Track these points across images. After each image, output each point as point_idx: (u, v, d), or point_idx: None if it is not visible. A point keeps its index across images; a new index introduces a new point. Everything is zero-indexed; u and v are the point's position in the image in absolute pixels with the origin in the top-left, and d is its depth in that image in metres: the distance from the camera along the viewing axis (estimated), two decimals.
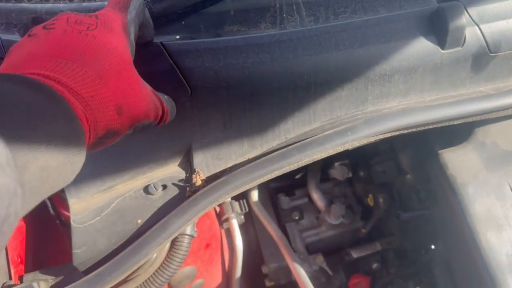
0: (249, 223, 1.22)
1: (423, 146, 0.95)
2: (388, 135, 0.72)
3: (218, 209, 1.10)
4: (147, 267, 0.80)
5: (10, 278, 0.76)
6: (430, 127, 0.73)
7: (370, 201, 1.13)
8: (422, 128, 0.73)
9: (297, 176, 1.39)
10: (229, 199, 1.08)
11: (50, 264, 0.81)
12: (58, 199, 0.90)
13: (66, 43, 0.48)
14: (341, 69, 0.70)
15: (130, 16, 0.57)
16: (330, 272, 1.20)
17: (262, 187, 1.28)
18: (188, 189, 0.76)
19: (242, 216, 1.09)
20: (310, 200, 1.27)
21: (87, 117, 0.45)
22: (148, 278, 0.81)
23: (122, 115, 0.50)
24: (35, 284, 0.70)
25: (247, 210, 1.06)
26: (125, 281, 0.81)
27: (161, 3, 0.71)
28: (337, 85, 0.72)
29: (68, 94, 0.44)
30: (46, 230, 0.90)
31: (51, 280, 0.74)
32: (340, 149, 0.71)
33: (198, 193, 0.72)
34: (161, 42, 0.68)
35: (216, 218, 1.05)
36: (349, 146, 0.71)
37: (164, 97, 0.63)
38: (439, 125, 0.73)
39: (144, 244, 0.69)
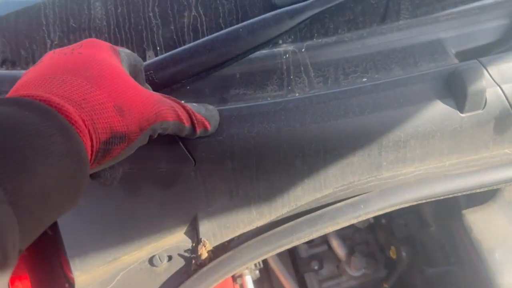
0: (265, 277, 1.18)
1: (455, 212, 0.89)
2: (406, 205, 0.67)
3: None
4: None
5: None
6: (450, 196, 0.68)
7: (392, 254, 1.07)
8: (442, 197, 0.68)
9: None
10: None
11: None
12: (66, 262, 0.88)
13: (52, 64, 0.46)
14: (351, 137, 0.66)
15: (122, 53, 0.53)
16: None
17: None
18: (193, 261, 0.73)
19: (257, 271, 1.05)
20: (330, 247, 1.22)
21: (83, 119, 0.41)
22: None
23: (125, 116, 0.45)
24: None
25: (262, 266, 1.02)
26: None
27: (164, 72, 0.69)
28: (348, 151, 0.68)
29: (57, 99, 0.40)
30: None
31: None
32: (354, 221, 0.67)
33: (203, 270, 0.69)
34: None
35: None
36: (363, 218, 0.67)
37: (201, 106, 0.60)
38: (459, 194, 0.68)
39: None
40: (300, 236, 0.67)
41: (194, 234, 0.76)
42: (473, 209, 0.79)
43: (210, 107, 0.64)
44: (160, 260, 0.73)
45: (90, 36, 0.80)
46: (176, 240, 0.75)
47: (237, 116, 0.67)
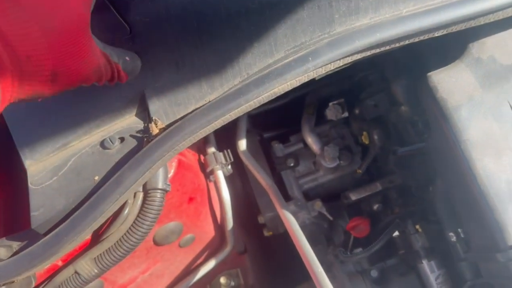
0: (242, 173, 1.17)
1: (417, 71, 0.85)
2: (358, 56, 0.63)
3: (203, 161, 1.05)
4: (118, 225, 0.76)
5: None
6: (406, 42, 0.63)
7: (365, 139, 1.05)
8: (397, 44, 0.63)
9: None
10: (213, 150, 1.02)
11: (25, 228, 0.79)
12: None
13: None
14: None
15: None
16: (330, 217, 1.15)
17: (253, 137, 1.21)
18: (145, 139, 0.70)
19: (230, 167, 1.03)
20: (306, 145, 1.20)
21: (13, 80, 0.41)
22: (122, 237, 0.77)
23: (56, 82, 0.45)
24: None
25: (232, 160, 1.00)
26: (98, 241, 0.78)
27: None
28: (295, 4, 0.63)
29: (2, 51, 0.39)
30: (17, 193, 0.87)
31: (16, 246, 0.71)
32: (304, 78, 0.63)
33: (152, 142, 0.66)
34: None
35: (200, 170, 1.00)
36: (314, 74, 0.63)
37: (121, 54, 0.58)
38: (416, 39, 0.63)
39: (99, 201, 0.64)
40: (248, 98, 0.63)
41: (145, 115, 0.72)
42: (439, 70, 0.75)
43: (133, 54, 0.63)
44: (112, 142, 0.70)
45: None
46: (127, 122, 0.72)
47: None
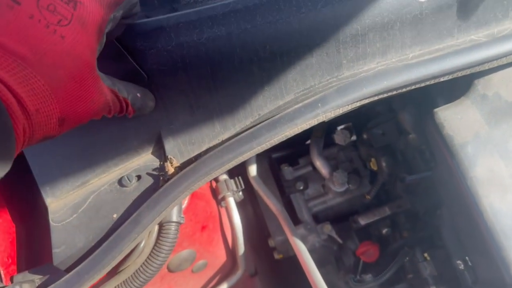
0: (253, 198, 1.19)
1: (424, 102, 0.87)
2: (366, 101, 0.65)
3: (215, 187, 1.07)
4: (135, 258, 0.79)
5: (1, 280, 0.77)
6: (413, 87, 0.65)
7: (373, 165, 1.07)
8: (404, 90, 0.65)
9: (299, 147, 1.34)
10: (224, 177, 1.05)
11: (46, 262, 0.82)
12: None
13: (28, 35, 0.43)
14: (306, 34, 0.63)
15: (116, 14, 0.51)
16: (340, 241, 1.17)
17: (262, 159, 1.23)
18: (162, 178, 0.73)
19: (240, 193, 1.06)
20: (314, 168, 1.22)
21: (25, 131, 0.43)
22: (138, 269, 0.80)
23: (64, 126, 0.47)
24: (17, 287, 0.70)
25: (243, 187, 1.02)
26: (115, 273, 0.80)
27: None
28: (305, 52, 0.65)
29: (15, 106, 0.41)
30: (39, 227, 0.91)
31: (38, 280, 0.74)
32: (314, 122, 0.65)
33: (168, 183, 0.69)
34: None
35: (212, 198, 1.03)
36: (323, 118, 0.65)
37: (132, 89, 0.60)
38: (422, 84, 0.65)
39: (118, 240, 0.67)
40: (260, 141, 0.66)
41: (161, 153, 0.75)
42: (445, 107, 0.77)
43: (145, 90, 0.64)
44: (129, 180, 0.73)
45: None
46: (143, 160, 0.75)
47: (185, 23, 0.64)
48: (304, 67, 0.67)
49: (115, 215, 0.72)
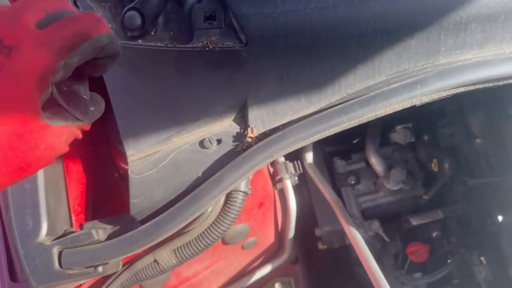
0: (303, 185, 1.20)
1: (496, 108, 0.87)
2: (462, 89, 0.66)
3: (271, 169, 1.08)
4: (201, 221, 0.80)
5: (71, 225, 0.79)
6: (510, 81, 0.65)
7: (434, 166, 1.06)
8: (502, 83, 0.65)
9: (355, 141, 1.34)
10: (283, 160, 1.05)
11: (108, 215, 0.84)
12: (117, 153, 0.92)
13: None
14: (412, 15, 0.64)
15: (69, 61, 0.44)
16: (386, 239, 1.16)
17: (316, 150, 1.24)
18: (241, 145, 0.74)
19: (296, 178, 1.07)
20: (368, 164, 1.22)
21: None
22: (203, 232, 0.81)
23: (27, 173, 0.45)
24: (93, 232, 0.72)
25: (301, 171, 1.03)
26: (180, 233, 0.82)
27: None
28: (407, 33, 0.66)
29: None
30: (105, 183, 0.93)
31: (109, 229, 0.76)
32: (408, 104, 0.66)
33: (254, 147, 0.70)
34: None
35: (269, 178, 1.04)
36: (418, 101, 0.66)
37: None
38: None
39: (200, 196, 0.69)
40: (351, 116, 0.66)
41: (242, 120, 0.76)
42: None
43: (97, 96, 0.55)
44: (210, 143, 0.74)
45: None
46: (225, 126, 0.77)
47: None
48: (402, 49, 0.68)
49: (200, 174, 0.73)
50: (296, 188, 1.12)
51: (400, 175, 1.09)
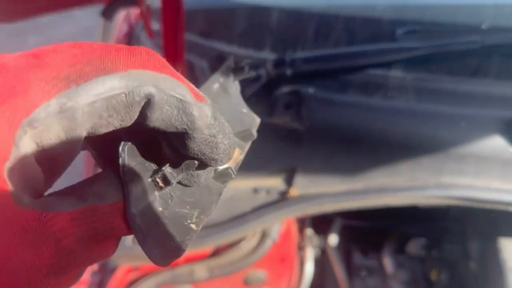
0: (322, 260, 1.39)
1: (494, 236, 1.07)
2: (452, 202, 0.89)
3: (299, 237, 1.30)
4: (236, 250, 1.04)
5: None
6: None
7: (433, 276, 1.24)
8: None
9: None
10: (311, 231, 1.28)
11: None
12: None
13: None
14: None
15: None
16: None
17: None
18: (283, 199, 1.00)
19: (319, 250, 1.28)
20: (380, 264, 1.41)
21: None
22: (234, 260, 1.04)
23: None
24: None
25: (323, 246, 1.25)
26: (216, 256, 1.06)
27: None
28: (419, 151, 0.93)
29: None
30: None
31: None
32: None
33: (296, 198, 0.96)
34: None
35: (296, 243, 1.25)
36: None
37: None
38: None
39: (244, 222, 0.94)
40: (380, 197, 0.91)
41: (289, 181, 1.03)
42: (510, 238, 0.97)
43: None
44: (260, 192, 1.01)
45: None
46: (275, 181, 1.04)
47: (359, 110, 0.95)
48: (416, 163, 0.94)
49: (248, 209, 0.99)
50: (315, 260, 1.32)
51: (405, 277, 1.28)
